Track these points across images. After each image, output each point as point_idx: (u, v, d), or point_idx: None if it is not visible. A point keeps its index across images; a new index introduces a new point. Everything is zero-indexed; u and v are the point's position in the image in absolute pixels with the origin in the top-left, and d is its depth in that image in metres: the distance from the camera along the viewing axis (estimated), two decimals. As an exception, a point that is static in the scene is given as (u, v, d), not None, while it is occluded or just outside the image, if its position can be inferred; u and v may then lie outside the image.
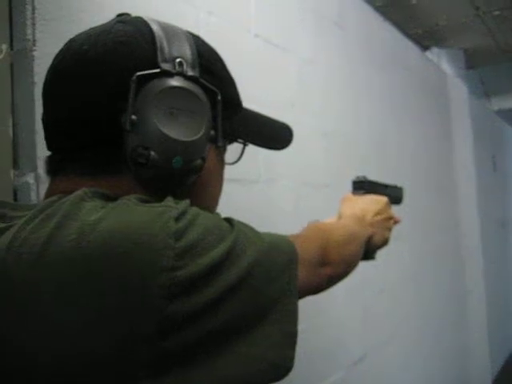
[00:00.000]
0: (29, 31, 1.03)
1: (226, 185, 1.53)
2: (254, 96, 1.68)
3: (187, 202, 0.58)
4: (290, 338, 0.62)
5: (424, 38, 3.82)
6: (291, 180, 1.86)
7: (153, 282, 0.49)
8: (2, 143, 1.05)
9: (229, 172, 1.49)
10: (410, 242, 2.93)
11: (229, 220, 0.62)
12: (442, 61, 4.14)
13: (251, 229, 0.64)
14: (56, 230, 0.53)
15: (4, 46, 1.04)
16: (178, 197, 0.61)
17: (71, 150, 0.65)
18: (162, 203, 0.56)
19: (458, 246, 3.91)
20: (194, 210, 0.57)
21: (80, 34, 0.68)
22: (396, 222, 1.17)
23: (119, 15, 0.70)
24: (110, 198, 0.59)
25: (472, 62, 4.51)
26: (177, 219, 0.53)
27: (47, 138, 0.68)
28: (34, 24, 1.03)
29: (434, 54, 4.09)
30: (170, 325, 0.50)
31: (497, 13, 3.47)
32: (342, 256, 0.87)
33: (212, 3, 1.54)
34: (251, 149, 0.83)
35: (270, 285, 0.60)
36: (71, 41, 0.68)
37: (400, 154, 2.92)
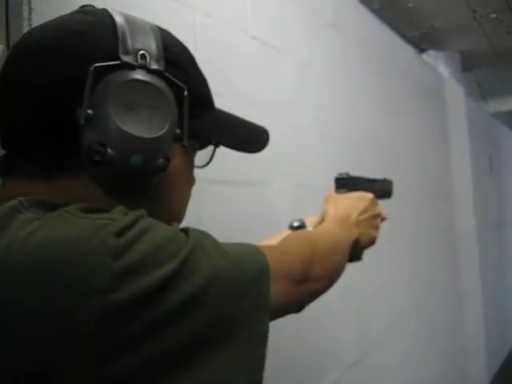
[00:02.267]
0: (25, 31, 1.03)
1: (223, 187, 1.54)
2: (251, 97, 1.69)
3: (139, 212, 0.53)
4: (256, 362, 0.56)
5: (421, 40, 3.83)
6: (288, 181, 1.86)
7: (85, 306, 0.45)
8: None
9: (225, 174, 1.50)
10: (405, 244, 2.93)
11: (186, 231, 0.56)
12: (439, 63, 4.14)
13: (212, 240, 0.58)
14: None
15: (1, 47, 1.04)
16: (140, 200, 0.58)
17: (23, 148, 0.60)
18: (105, 215, 0.51)
19: (455, 248, 3.91)
20: (144, 222, 0.52)
21: (39, 25, 0.64)
22: (383, 219, 1.11)
23: (82, 6, 0.66)
24: (53, 207, 0.53)
25: (468, 64, 4.51)
26: (118, 234, 0.48)
27: (1, 136, 0.63)
28: (30, 25, 1.03)
29: (431, 57, 4.09)
30: (107, 350, 0.45)
31: (493, 15, 3.48)
32: (327, 269, 0.81)
33: (209, 5, 1.54)
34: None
35: (233, 303, 0.54)
36: (30, 31, 0.64)
37: (396, 155, 2.92)
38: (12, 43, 1.05)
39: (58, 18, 0.64)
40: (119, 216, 0.51)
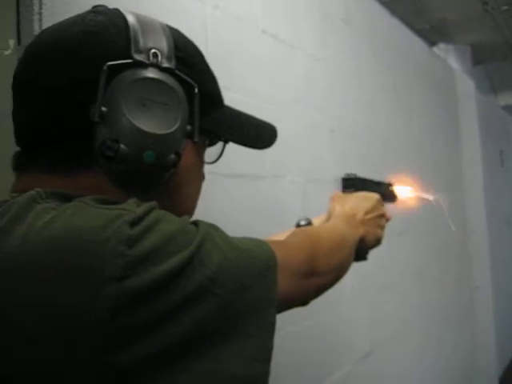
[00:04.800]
0: (36, 26, 1.03)
1: (234, 181, 1.54)
2: (260, 91, 1.68)
3: (151, 204, 0.55)
4: (264, 353, 0.57)
5: (431, 33, 3.80)
6: (298, 176, 1.86)
7: (99, 293, 0.46)
8: (10, 137, 1.05)
9: (236, 168, 1.50)
10: (416, 238, 2.92)
11: (196, 224, 0.58)
12: (450, 56, 4.11)
13: (221, 234, 0.60)
14: (1, 235, 0.51)
15: (11, 41, 1.04)
16: (151, 195, 0.59)
17: (39, 144, 0.62)
18: (120, 205, 0.53)
19: (465, 242, 3.89)
20: (156, 213, 0.54)
21: (52, 25, 0.66)
22: (387, 220, 1.12)
23: (94, 6, 0.67)
24: (69, 198, 0.55)
25: (479, 57, 4.48)
26: (132, 224, 0.50)
27: (16, 133, 0.65)
28: (41, 19, 1.04)
29: (442, 50, 4.06)
30: (119, 338, 0.46)
31: (505, 8, 3.44)
32: (332, 265, 0.82)
33: (219, -2, 1.54)
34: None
35: (242, 294, 0.56)
36: (43, 32, 0.66)
37: (407, 149, 2.91)
38: (23, 38, 1.05)
39: (70, 18, 0.65)
40: (133, 207, 0.53)
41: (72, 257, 0.47)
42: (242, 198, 1.55)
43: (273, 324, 0.59)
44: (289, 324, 1.64)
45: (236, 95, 1.48)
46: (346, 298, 2.09)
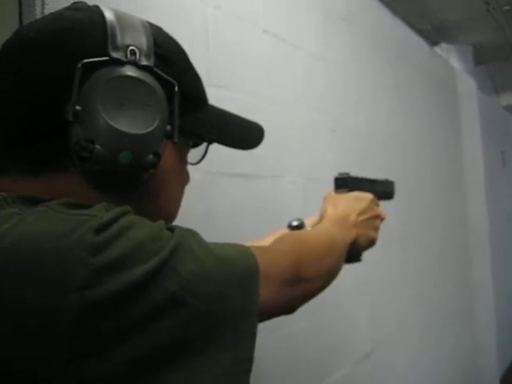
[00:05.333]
0: (38, 27, 1.04)
1: (233, 180, 1.54)
2: (261, 91, 1.68)
3: (123, 208, 0.53)
4: (243, 366, 0.55)
5: (433, 33, 3.80)
6: (299, 176, 1.86)
7: (61, 304, 0.44)
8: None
9: (236, 167, 1.50)
10: (417, 238, 2.92)
11: (172, 230, 0.55)
12: (451, 56, 4.11)
13: (199, 240, 0.58)
14: None
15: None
16: (130, 197, 0.58)
17: (15, 145, 0.60)
18: (87, 211, 0.51)
19: (467, 242, 3.89)
20: (127, 219, 0.52)
21: (30, 23, 0.64)
22: (382, 219, 1.09)
23: (73, 3, 0.65)
24: (36, 202, 0.53)
25: (481, 57, 4.48)
26: (97, 230, 0.48)
27: None
28: (43, 20, 1.04)
29: (443, 50, 4.06)
30: (83, 351, 0.45)
31: (507, 8, 3.44)
32: (320, 271, 0.79)
33: (220, -2, 1.54)
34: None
35: (219, 303, 0.54)
36: (20, 28, 0.64)
37: (408, 149, 2.91)
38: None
39: (48, 14, 0.64)
40: (101, 212, 0.51)
41: (33, 265, 0.45)
42: (241, 197, 1.55)
43: (253, 335, 0.57)
44: (288, 324, 1.65)
45: (236, 95, 1.49)
46: (347, 298, 2.09)
